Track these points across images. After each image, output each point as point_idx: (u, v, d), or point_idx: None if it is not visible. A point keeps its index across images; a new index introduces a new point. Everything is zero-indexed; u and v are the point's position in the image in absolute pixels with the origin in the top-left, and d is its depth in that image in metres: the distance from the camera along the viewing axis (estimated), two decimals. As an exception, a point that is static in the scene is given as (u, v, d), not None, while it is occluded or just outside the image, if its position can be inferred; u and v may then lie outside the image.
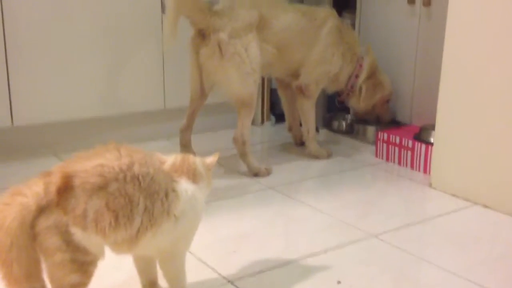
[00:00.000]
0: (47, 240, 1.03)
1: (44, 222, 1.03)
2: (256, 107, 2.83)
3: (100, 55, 2.33)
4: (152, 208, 1.11)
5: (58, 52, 2.23)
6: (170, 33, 1.95)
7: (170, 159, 1.25)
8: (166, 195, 1.14)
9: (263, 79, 2.77)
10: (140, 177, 1.09)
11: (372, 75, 2.44)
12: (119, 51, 2.37)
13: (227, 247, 1.61)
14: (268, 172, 2.18)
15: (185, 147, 2.23)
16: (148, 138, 2.52)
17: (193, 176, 1.22)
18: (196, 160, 1.25)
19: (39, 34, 2.18)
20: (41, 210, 1.03)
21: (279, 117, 2.84)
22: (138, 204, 1.08)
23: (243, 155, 2.15)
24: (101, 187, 1.05)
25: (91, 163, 1.08)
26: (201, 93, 2.17)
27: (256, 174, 2.16)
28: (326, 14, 2.31)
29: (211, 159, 1.28)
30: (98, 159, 1.09)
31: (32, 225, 1.03)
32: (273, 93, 2.85)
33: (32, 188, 1.05)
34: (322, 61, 2.29)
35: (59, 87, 2.26)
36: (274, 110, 2.90)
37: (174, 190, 1.16)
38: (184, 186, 1.19)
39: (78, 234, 1.04)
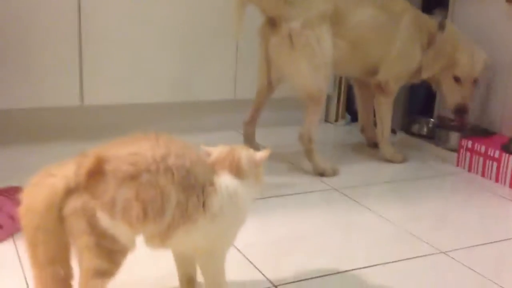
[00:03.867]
0: (73, 222, 0.99)
1: (72, 205, 0.98)
2: (331, 104, 2.72)
3: (174, 41, 2.30)
4: (186, 203, 1.03)
5: (133, 34, 2.22)
6: (237, 21, 1.86)
7: (216, 150, 1.17)
8: (203, 189, 1.06)
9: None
10: (174, 169, 1.01)
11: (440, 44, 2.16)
12: (193, 38, 2.33)
13: (279, 249, 1.51)
14: (334, 173, 2.05)
15: (249, 140, 2.15)
16: (217, 128, 2.47)
17: (237, 170, 1.12)
18: (243, 154, 1.15)
19: (115, 17, 2.18)
20: (70, 192, 0.98)
21: (355, 116, 2.70)
22: (170, 198, 1.01)
23: (308, 153, 2.03)
24: (132, 177, 0.99)
25: (126, 150, 1.02)
26: (269, 85, 2.08)
27: (321, 174, 2.03)
28: (402, 7, 2.13)
29: (260, 155, 1.17)
30: (134, 146, 1.03)
31: (60, 207, 0.98)
32: (349, 91, 2.71)
33: (63, 169, 1.00)
34: (402, 57, 2.12)
35: (131, 69, 2.26)
36: (350, 108, 2.75)
37: (212, 184, 1.08)
38: (225, 181, 1.10)
39: (105, 220, 0.98)
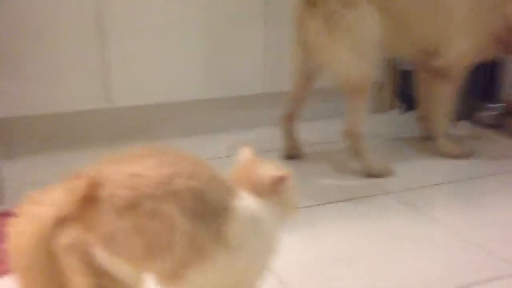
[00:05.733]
0: (65, 259, 0.82)
1: (63, 239, 0.81)
2: (383, 91, 2.46)
3: (199, 37, 2.12)
4: (199, 234, 0.82)
5: (158, 32, 2.06)
6: None
7: (236, 163, 0.97)
8: (219, 215, 0.85)
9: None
10: (184, 193, 0.81)
11: None
12: (220, 31, 2.14)
13: (324, 271, 1.29)
14: (388, 173, 1.80)
15: (289, 137, 1.93)
16: (254, 124, 2.25)
17: (257, 188, 0.92)
18: (266, 169, 0.94)
19: (139, 14, 2.02)
20: (60, 223, 0.81)
21: (411, 104, 2.42)
22: (179, 229, 0.81)
23: (356, 152, 1.79)
24: (132, 204, 0.79)
25: (125, 170, 0.82)
26: (307, 74, 1.84)
27: (372, 175, 1.78)
28: None
29: (277, 173, 0.94)
30: (135, 165, 0.83)
31: (50, 242, 0.82)
32: (403, 75, 2.43)
33: (52, 195, 0.84)
34: (464, 31, 1.81)
35: (158, 68, 2.10)
36: (404, 96, 2.47)
37: (229, 209, 0.87)
38: (245, 202, 0.90)
39: (102, 257, 0.80)
